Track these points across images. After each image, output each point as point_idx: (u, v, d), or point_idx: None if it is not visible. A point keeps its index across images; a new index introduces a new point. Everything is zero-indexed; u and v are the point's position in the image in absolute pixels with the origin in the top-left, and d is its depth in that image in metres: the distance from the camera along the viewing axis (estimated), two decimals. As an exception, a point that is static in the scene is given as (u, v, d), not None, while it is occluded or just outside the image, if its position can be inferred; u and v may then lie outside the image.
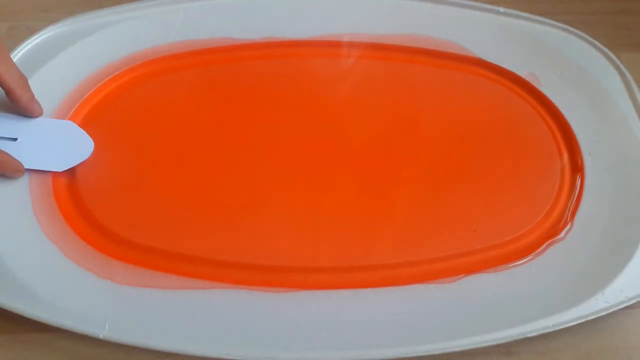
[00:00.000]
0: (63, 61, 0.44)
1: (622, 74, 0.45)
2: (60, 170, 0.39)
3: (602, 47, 0.46)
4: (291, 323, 0.35)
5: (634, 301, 0.36)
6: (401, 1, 0.48)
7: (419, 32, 0.47)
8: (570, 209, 0.40)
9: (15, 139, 0.40)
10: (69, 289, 0.35)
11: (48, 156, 0.40)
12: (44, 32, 0.45)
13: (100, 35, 0.45)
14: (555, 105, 0.44)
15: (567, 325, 0.35)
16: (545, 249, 0.38)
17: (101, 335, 0.33)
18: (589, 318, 0.35)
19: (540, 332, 0.34)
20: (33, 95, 0.41)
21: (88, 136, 0.41)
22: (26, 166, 0.39)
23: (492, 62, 0.46)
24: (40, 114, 0.41)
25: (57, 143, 0.40)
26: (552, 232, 0.39)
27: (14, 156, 0.39)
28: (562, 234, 0.39)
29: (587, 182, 0.41)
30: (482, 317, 0.35)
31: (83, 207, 0.39)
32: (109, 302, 0.35)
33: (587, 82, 0.45)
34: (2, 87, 0.39)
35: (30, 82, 0.40)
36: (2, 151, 0.38)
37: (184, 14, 0.47)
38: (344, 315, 0.35)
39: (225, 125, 0.43)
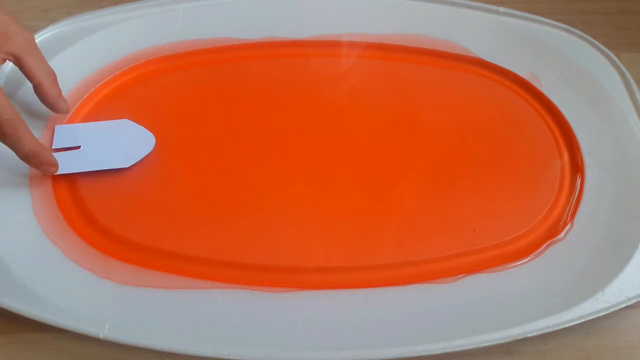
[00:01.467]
0: (63, 61, 0.44)
1: (622, 74, 0.45)
2: (127, 166, 0.40)
3: (602, 47, 0.46)
4: (291, 323, 0.35)
5: (634, 301, 0.36)
6: (401, 1, 0.48)
7: (419, 32, 0.47)
8: (570, 209, 0.40)
9: (78, 147, 0.40)
10: (69, 289, 0.35)
11: (113, 155, 0.40)
12: (44, 32, 0.45)
13: (100, 35, 0.45)
14: (555, 105, 0.44)
15: (567, 325, 0.35)
16: (545, 249, 0.38)
17: (101, 335, 0.33)
18: (589, 318, 0.35)
19: (540, 332, 0.34)
20: (60, 91, 0.41)
21: (147, 130, 0.41)
22: (94, 168, 0.39)
23: (492, 62, 0.46)
24: (65, 111, 0.41)
25: (118, 142, 0.41)
26: (552, 232, 0.39)
27: (81, 162, 0.39)
28: (562, 234, 0.39)
29: (587, 182, 0.41)
30: (482, 317, 0.35)
31: (83, 207, 0.39)
32: (109, 302, 0.35)
33: (587, 82, 0.45)
34: (30, 81, 0.39)
35: (31, 82, 0.40)
36: (39, 143, 0.37)
37: (184, 14, 0.47)
38: (344, 315, 0.35)
39: (225, 125, 0.43)
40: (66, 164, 0.39)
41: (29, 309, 0.34)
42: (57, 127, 0.41)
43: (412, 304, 0.36)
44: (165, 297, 0.35)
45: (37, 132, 0.41)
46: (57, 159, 0.39)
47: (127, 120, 0.42)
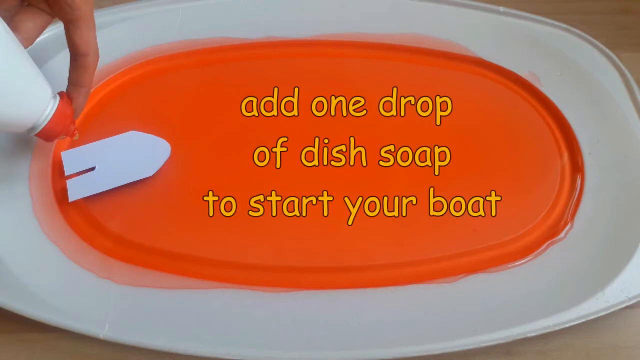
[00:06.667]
0: (63, 61, 0.44)
1: (622, 74, 0.45)
2: (149, 175, 0.39)
3: (602, 47, 0.46)
4: (291, 323, 0.35)
5: (634, 301, 0.36)
6: (401, 1, 0.48)
7: (419, 32, 0.47)
8: (570, 209, 0.40)
9: (93, 168, 0.39)
10: (69, 289, 0.35)
11: (132, 168, 0.39)
12: (43, 32, 0.45)
13: (100, 35, 0.45)
14: (556, 105, 0.44)
15: (567, 325, 0.35)
16: (545, 249, 0.38)
17: (101, 335, 0.34)
18: (589, 318, 0.35)
19: (540, 332, 0.34)
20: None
21: (156, 137, 0.41)
22: (117, 184, 0.39)
23: (492, 62, 0.46)
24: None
25: (133, 153, 0.40)
26: (552, 232, 0.39)
27: (103, 181, 0.38)
28: (562, 234, 0.39)
29: (587, 182, 0.41)
30: (482, 317, 0.35)
31: (83, 207, 0.39)
32: (109, 302, 0.35)
33: (588, 82, 0.45)
34: (76, 49, 0.36)
35: (30, 82, 0.40)
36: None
37: (183, 14, 0.47)
38: (344, 315, 0.35)
39: (224, 125, 0.43)
40: (87, 186, 0.38)
41: (29, 309, 0.34)
42: (63, 154, 0.39)
43: (412, 304, 0.36)
44: (165, 297, 0.35)
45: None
46: (75, 183, 0.38)
47: (134, 131, 0.41)
